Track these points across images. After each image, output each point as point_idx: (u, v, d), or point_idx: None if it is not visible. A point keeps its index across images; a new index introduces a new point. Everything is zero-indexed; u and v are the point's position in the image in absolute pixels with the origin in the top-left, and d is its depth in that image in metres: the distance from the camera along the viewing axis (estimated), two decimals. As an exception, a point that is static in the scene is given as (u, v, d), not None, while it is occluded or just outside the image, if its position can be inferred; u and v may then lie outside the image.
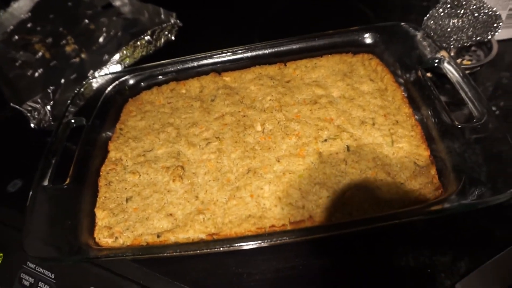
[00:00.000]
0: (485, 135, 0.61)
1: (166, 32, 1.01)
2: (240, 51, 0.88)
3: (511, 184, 0.53)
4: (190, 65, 0.89)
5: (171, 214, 0.65)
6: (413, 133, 0.70)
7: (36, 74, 1.11)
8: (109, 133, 0.81)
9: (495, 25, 0.80)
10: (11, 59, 1.18)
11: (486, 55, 0.84)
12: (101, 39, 1.16)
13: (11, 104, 0.94)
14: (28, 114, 0.94)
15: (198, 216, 0.64)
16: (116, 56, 0.95)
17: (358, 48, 0.87)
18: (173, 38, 1.02)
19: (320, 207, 0.62)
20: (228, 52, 0.89)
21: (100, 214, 0.67)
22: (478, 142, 0.61)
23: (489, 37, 0.80)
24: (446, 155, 0.63)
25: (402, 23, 0.83)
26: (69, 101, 0.84)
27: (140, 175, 0.72)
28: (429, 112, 0.69)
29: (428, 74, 0.79)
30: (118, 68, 0.96)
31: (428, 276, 0.59)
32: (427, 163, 0.65)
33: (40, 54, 1.18)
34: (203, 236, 0.61)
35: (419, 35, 0.80)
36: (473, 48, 0.89)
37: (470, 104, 0.66)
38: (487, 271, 0.57)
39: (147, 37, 0.97)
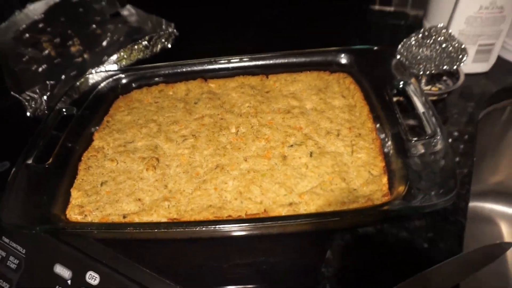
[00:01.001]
0: (433, 150, 0.67)
1: (163, 40, 1.09)
2: (226, 62, 0.96)
3: (447, 193, 0.58)
4: (179, 70, 0.97)
5: (139, 199, 0.70)
6: (372, 146, 0.75)
7: (40, 69, 1.19)
8: (97, 127, 0.87)
9: (460, 57, 0.86)
10: (20, 54, 1.27)
11: (454, 84, 0.90)
12: (104, 43, 1.25)
13: (12, 93, 1.02)
14: (26, 103, 1.01)
15: (163, 202, 0.68)
16: (114, 57, 1.03)
17: (336, 66, 0.94)
18: (169, 46, 1.10)
19: (276, 204, 0.66)
20: (215, 62, 0.96)
21: (75, 193, 0.72)
22: (425, 156, 0.67)
23: (454, 67, 0.87)
24: (397, 166, 0.69)
25: (376, 48, 0.90)
26: (64, 92, 0.91)
27: (117, 163, 0.77)
28: (389, 129, 0.75)
29: (399, 98, 0.85)
30: (114, 67, 1.03)
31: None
32: (380, 173, 0.70)
33: (46, 52, 1.27)
34: (165, 220, 0.66)
35: (392, 60, 0.87)
36: (444, 78, 0.96)
37: (424, 122, 0.72)
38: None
39: (144, 42, 1.05)
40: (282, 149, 0.76)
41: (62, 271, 0.70)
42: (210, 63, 0.96)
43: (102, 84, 0.95)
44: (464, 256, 0.62)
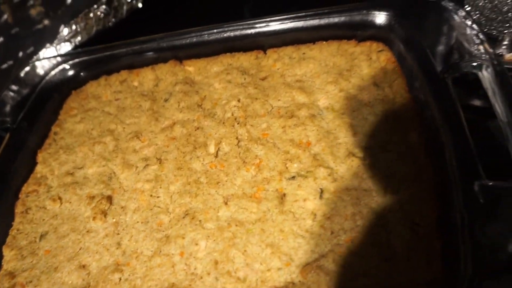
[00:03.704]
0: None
1: (128, -1, 0.80)
2: (209, 33, 0.67)
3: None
4: (146, 47, 0.70)
5: (84, 266, 0.51)
6: (421, 177, 0.48)
7: (-4, 44, 0.97)
8: (42, 138, 0.67)
9: None
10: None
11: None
12: (68, 0, 0.97)
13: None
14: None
15: (114, 274, 0.49)
16: (64, 31, 0.77)
17: (367, 31, 0.62)
18: (139, 5, 0.81)
19: (263, 285, 0.45)
20: (193, 34, 0.67)
21: (7, 253, 0.55)
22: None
23: None
24: (464, 225, 0.42)
25: (433, -2, 0.56)
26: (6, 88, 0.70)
27: (61, 203, 0.58)
28: (451, 149, 0.47)
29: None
30: (67, 47, 0.78)
31: None
32: (431, 232, 0.44)
33: (5, 17, 1.03)
34: (113, 306, 0.48)
35: (457, 18, 0.54)
36: None
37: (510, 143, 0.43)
38: None
39: (102, 7, 0.76)
40: (279, 184, 0.51)
41: None
42: (186, 35, 0.68)
43: (49, 75, 0.72)
44: None
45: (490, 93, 0.48)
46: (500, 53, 0.64)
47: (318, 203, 0.49)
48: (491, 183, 0.42)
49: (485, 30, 0.59)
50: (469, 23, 0.53)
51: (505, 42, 0.63)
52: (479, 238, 0.40)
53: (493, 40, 0.64)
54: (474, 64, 0.50)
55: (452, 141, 0.47)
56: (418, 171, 0.49)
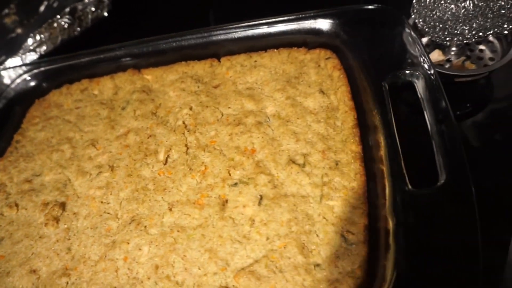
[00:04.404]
0: (439, 213, 0.41)
1: (93, 8, 0.81)
2: (165, 41, 0.69)
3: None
4: (106, 56, 0.71)
5: (34, 271, 0.53)
6: (354, 185, 0.50)
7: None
8: (4, 146, 0.69)
9: (517, 13, 0.52)
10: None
11: (501, 56, 0.57)
12: (42, 8, 0.99)
13: None
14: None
15: (61, 279, 0.51)
16: (29, 41, 0.79)
17: (317, 39, 0.63)
18: (105, 14, 0.83)
19: (201, 288, 0.46)
20: (149, 43, 0.69)
21: (-36, 259, 0.57)
22: (429, 220, 0.41)
23: (506, 31, 0.53)
24: (387, 230, 0.44)
25: (377, 7, 0.58)
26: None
27: (18, 210, 0.60)
28: (384, 158, 0.48)
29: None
30: (32, 56, 0.80)
31: None
32: (359, 239, 0.46)
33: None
34: (58, 310, 0.50)
35: (400, 27, 0.56)
36: (480, 47, 0.62)
37: (436, 156, 0.44)
38: None
39: (65, 18, 0.78)
40: (222, 190, 0.53)
41: None
42: (144, 44, 0.69)
43: (13, 84, 0.74)
44: None
45: (422, 102, 0.49)
46: (449, 59, 0.65)
47: (256, 209, 0.50)
48: (415, 190, 0.44)
49: (430, 38, 0.60)
50: (410, 31, 0.55)
51: (453, 49, 0.64)
52: (401, 244, 0.42)
53: (443, 47, 0.65)
54: (408, 72, 0.51)
55: (385, 149, 0.48)
56: (352, 179, 0.50)
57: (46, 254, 0.54)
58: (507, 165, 0.60)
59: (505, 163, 0.60)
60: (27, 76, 0.74)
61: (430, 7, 0.56)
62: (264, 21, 0.64)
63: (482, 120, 0.65)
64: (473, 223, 0.39)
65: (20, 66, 0.75)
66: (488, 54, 0.63)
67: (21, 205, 0.60)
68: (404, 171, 0.45)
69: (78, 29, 0.80)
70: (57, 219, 0.57)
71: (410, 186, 0.44)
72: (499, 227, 0.54)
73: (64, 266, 0.53)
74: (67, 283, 0.51)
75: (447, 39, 0.57)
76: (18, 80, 0.74)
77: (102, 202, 0.57)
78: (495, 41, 0.63)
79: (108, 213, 0.56)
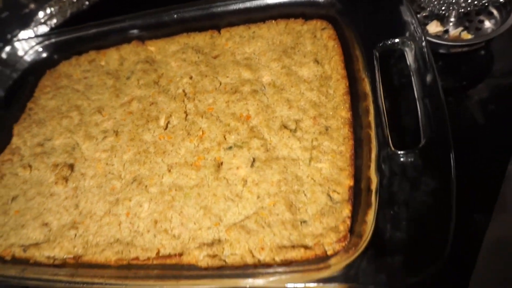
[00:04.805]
0: (418, 174, 0.43)
1: (101, -18, 0.84)
2: (168, 13, 0.71)
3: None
4: (111, 28, 0.74)
5: (46, 224, 0.58)
6: (342, 149, 0.52)
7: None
8: (19, 113, 0.73)
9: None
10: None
11: (500, 27, 0.58)
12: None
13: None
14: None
15: (70, 231, 0.56)
16: (40, 14, 0.82)
17: (314, 10, 0.65)
18: (112, -13, 0.85)
19: (196, 241, 0.50)
20: (154, 15, 0.72)
21: (-17, 213, 0.62)
22: (410, 182, 0.43)
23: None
24: (370, 189, 0.46)
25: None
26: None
27: (31, 171, 0.65)
28: (372, 123, 0.50)
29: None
30: (44, 29, 0.84)
31: None
32: (344, 198, 0.48)
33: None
34: (66, 256, 0.54)
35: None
36: (480, 17, 0.62)
37: (420, 121, 0.46)
38: None
39: (74, -10, 0.81)
40: (217, 153, 0.56)
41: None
42: (145, 17, 0.72)
43: (27, 55, 0.78)
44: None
45: (411, 70, 0.51)
46: (447, 30, 0.65)
47: (249, 171, 0.53)
48: (396, 151, 0.46)
49: (427, 8, 0.60)
50: (404, 2, 0.56)
51: (452, 19, 0.64)
52: (381, 201, 0.44)
53: (441, 18, 0.66)
54: (398, 41, 0.52)
55: (373, 115, 0.50)
56: (341, 144, 0.52)
57: (56, 209, 0.59)
58: (502, 138, 0.61)
59: (500, 135, 0.61)
60: (39, 48, 0.78)
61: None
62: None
63: (478, 92, 0.66)
64: (448, 184, 0.41)
65: (32, 38, 0.78)
66: (487, 25, 0.63)
67: (34, 166, 0.65)
68: (388, 134, 0.47)
69: (87, 2, 0.83)
70: (66, 179, 0.61)
71: (393, 148, 0.46)
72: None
73: (73, 220, 0.57)
74: (75, 235, 0.56)
75: (443, 8, 0.58)
76: (31, 52, 0.78)
77: (107, 164, 0.61)
78: (495, 12, 0.63)
79: (112, 174, 0.60)
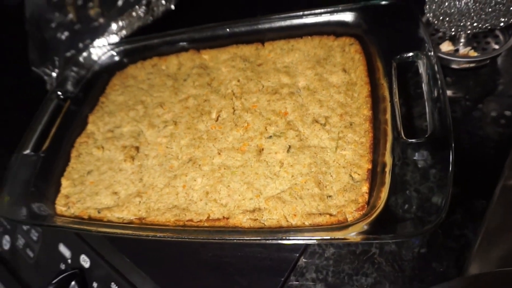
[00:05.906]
0: (425, 157, 0.53)
1: (164, 1, 1.00)
2: (219, 28, 0.85)
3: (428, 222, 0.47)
4: (171, 39, 0.89)
5: (115, 192, 0.71)
6: (363, 140, 0.63)
7: (63, 37, 1.21)
8: (93, 105, 0.88)
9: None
10: (48, 20, 1.30)
11: (501, 46, 0.68)
12: (119, 2, 1.20)
13: (32, 68, 1.07)
14: (46, 78, 1.06)
15: (135, 198, 0.69)
16: (113, 27, 0.99)
17: (344, 29, 0.77)
18: (172, 7, 1.01)
19: (240, 208, 0.62)
20: (207, 29, 0.86)
21: (64, 183, 0.76)
22: (416, 165, 0.54)
23: (502, 24, 0.64)
24: (385, 171, 0.57)
25: (396, 3, 0.71)
26: (67, 68, 0.92)
27: (103, 151, 0.78)
28: (388, 119, 0.61)
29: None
30: (115, 39, 1.00)
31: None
32: (363, 178, 0.59)
33: (70, 16, 1.28)
34: (133, 218, 0.67)
35: (413, 18, 0.68)
36: (487, 39, 0.73)
37: (428, 116, 0.57)
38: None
39: (142, 8, 0.98)
40: (259, 141, 0.68)
41: (64, 250, 0.78)
42: (204, 31, 0.87)
43: (100, 60, 0.94)
44: (458, 282, 0.52)
45: (422, 78, 0.62)
46: (457, 49, 0.76)
47: (285, 155, 0.65)
48: (407, 139, 0.56)
49: (440, 29, 0.71)
50: (419, 23, 0.67)
51: (462, 40, 0.75)
52: (391, 181, 0.54)
53: (453, 39, 0.77)
54: (413, 54, 0.64)
55: (390, 114, 0.61)
56: (362, 136, 0.63)
57: (124, 182, 0.72)
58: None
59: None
60: (111, 53, 0.94)
61: (439, 4, 0.68)
62: (301, 13, 0.78)
63: (482, 99, 0.74)
64: (446, 169, 0.51)
65: (106, 45, 0.95)
66: (493, 45, 0.74)
67: (105, 147, 0.79)
68: (401, 129, 0.58)
69: (151, 18, 0.99)
70: (132, 158, 0.75)
71: (404, 137, 0.57)
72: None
73: (138, 190, 0.70)
74: (140, 202, 0.69)
75: (452, 29, 0.69)
76: (103, 57, 0.94)
77: (167, 147, 0.74)
78: (500, 34, 0.74)
79: (171, 155, 0.73)
